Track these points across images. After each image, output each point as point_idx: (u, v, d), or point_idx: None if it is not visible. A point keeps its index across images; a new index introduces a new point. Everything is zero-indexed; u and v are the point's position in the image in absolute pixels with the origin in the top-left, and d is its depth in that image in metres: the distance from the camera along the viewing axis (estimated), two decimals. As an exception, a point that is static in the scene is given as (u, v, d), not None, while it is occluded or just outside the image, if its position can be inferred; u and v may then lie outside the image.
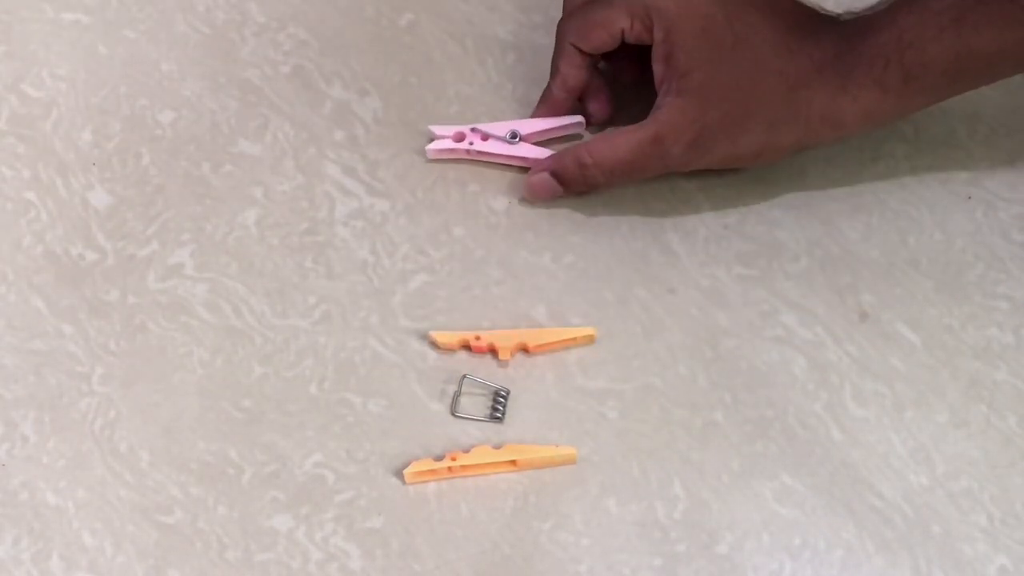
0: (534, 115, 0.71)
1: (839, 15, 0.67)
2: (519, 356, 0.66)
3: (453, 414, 0.64)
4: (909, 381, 0.65)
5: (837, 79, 0.64)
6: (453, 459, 0.63)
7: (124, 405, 0.65)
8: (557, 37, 0.69)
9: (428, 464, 0.63)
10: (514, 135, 0.71)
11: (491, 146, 0.71)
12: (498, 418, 0.65)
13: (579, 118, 0.72)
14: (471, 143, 0.71)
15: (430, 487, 0.63)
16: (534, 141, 0.72)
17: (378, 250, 0.70)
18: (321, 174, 0.72)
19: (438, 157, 0.72)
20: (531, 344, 0.66)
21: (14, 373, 0.66)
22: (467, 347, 0.66)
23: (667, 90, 0.66)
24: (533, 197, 0.70)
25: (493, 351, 0.66)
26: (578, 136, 0.72)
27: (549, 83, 0.70)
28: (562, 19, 0.70)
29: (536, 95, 0.73)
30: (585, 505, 0.63)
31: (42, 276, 0.69)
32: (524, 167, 0.71)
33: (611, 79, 0.72)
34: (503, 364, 0.66)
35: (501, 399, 0.65)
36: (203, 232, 0.70)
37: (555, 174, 0.68)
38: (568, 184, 0.68)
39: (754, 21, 0.65)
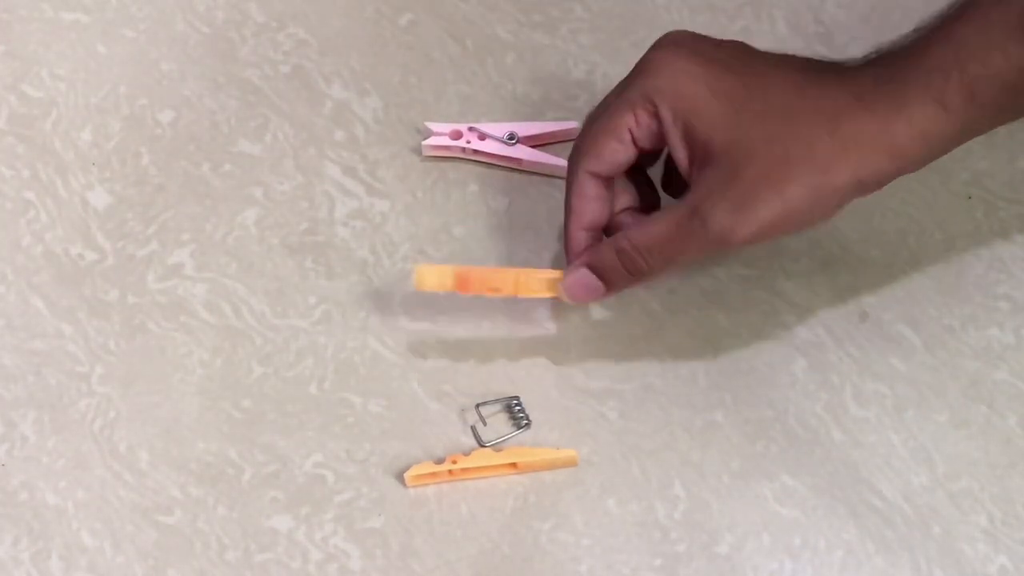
0: (568, 262, 0.63)
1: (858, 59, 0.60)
2: (518, 362, 0.66)
3: (482, 445, 0.64)
4: (909, 381, 0.65)
5: (888, 102, 0.56)
6: (454, 462, 0.63)
7: (124, 405, 0.65)
8: (568, 170, 0.63)
9: (429, 467, 0.63)
10: (512, 136, 0.71)
11: (488, 146, 0.71)
12: (526, 425, 0.65)
13: (575, 123, 0.72)
14: (468, 142, 0.71)
15: (430, 488, 0.63)
16: (532, 144, 0.72)
17: (378, 250, 0.70)
18: (321, 174, 0.72)
19: (434, 154, 0.72)
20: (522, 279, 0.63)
21: (14, 373, 0.66)
22: (458, 284, 0.63)
23: (695, 166, 0.59)
24: (573, 299, 0.62)
25: (493, 290, 0.63)
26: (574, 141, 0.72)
27: (565, 224, 0.63)
28: (571, 152, 0.63)
29: (536, 95, 0.73)
30: (585, 505, 0.63)
31: (42, 276, 0.69)
32: (522, 169, 0.72)
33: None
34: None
35: (517, 406, 0.65)
36: (203, 232, 0.70)
37: (592, 267, 0.61)
38: (608, 276, 0.61)
39: (764, 69, 0.59)
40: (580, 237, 0.62)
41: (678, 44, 0.60)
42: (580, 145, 0.62)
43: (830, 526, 0.62)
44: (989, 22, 0.55)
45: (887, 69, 0.57)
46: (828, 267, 0.68)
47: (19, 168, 0.72)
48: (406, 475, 0.63)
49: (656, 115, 0.59)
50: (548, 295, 0.64)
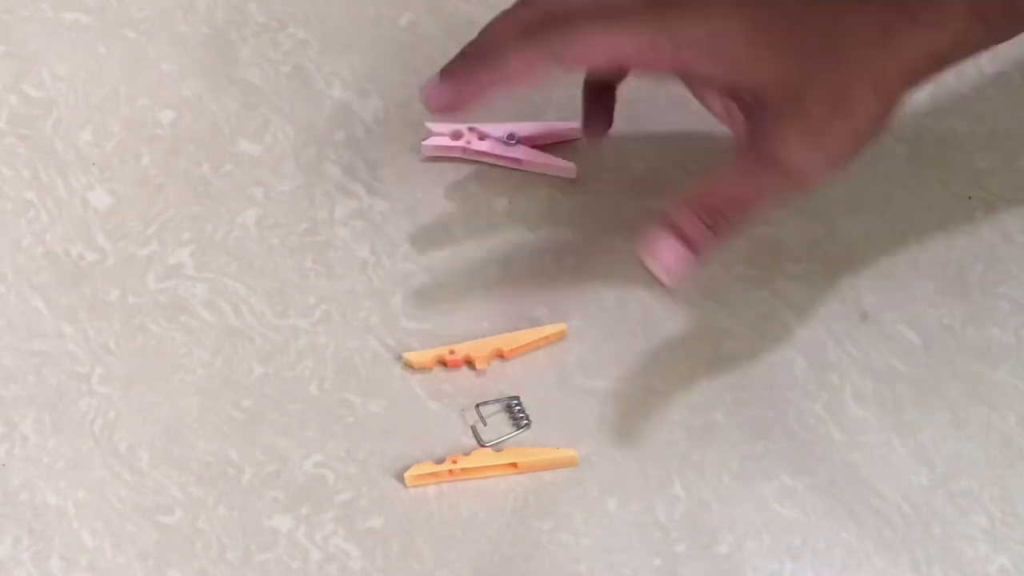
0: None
1: None
2: (518, 362, 0.66)
3: (482, 445, 0.64)
4: (909, 381, 0.65)
5: (932, 16, 0.55)
6: (454, 462, 0.63)
7: (124, 405, 0.65)
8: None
9: (429, 467, 0.63)
10: (512, 136, 0.71)
11: (488, 146, 0.71)
12: (526, 424, 0.65)
13: (575, 123, 0.72)
14: (468, 142, 0.71)
15: (430, 488, 0.63)
16: (532, 144, 0.72)
17: (378, 250, 0.70)
18: (321, 174, 0.72)
19: (434, 154, 0.72)
20: (505, 349, 0.66)
21: (14, 373, 0.66)
22: (443, 363, 0.66)
23: (745, 113, 0.57)
24: (667, 271, 0.59)
25: (469, 363, 0.66)
26: (574, 141, 0.72)
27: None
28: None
29: (536, 95, 0.73)
30: (585, 505, 0.63)
31: (42, 276, 0.69)
32: (522, 169, 0.72)
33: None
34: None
35: (517, 406, 0.65)
36: (203, 232, 0.70)
37: (675, 228, 0.58)
38: (692, 237, 0.58)
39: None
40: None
41: None
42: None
43: (830, 526, 0.62)
44: None
45: None
46: (828, 267, 0.68)
47: (19, 168, 0.72)
48: (406, 475, 0.63)
49: (677, 65, 0.57)
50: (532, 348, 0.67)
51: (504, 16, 0.59)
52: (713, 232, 0.58)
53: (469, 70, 0.59)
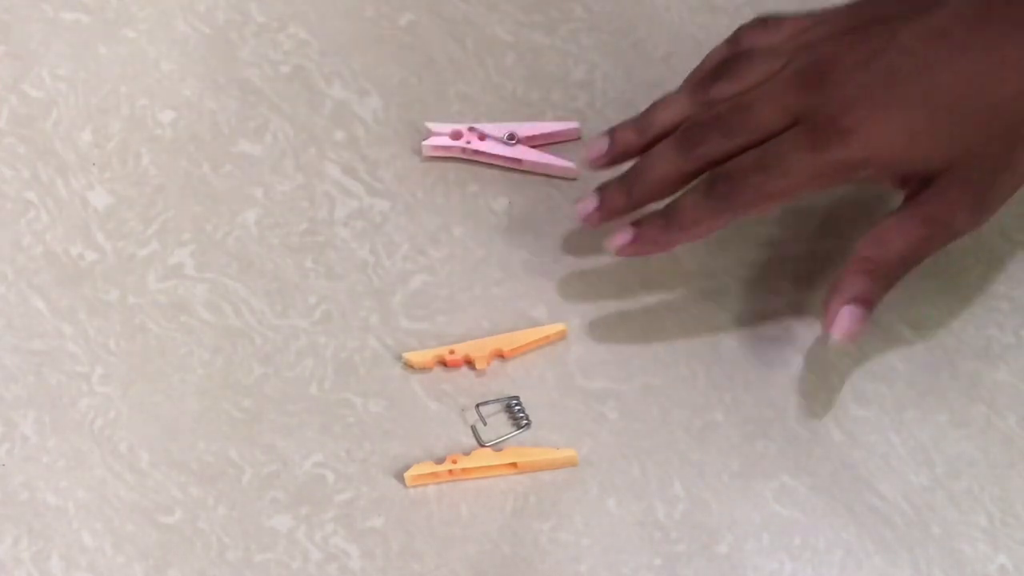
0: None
1: None
2: (518, 362, 0.66)
3: (482, 445, 0.64)
4: (909, 381, 0.65)
5: None
6: (454, 462, 0.63)
7: (124, 405, 0.65)
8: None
9: (429, 467, 0.63)
10: (511, 136, 0.71)
11: (488, 146, 0.71)
12: (526, 425, 0.65)
13: (575, 123, 0.72)
14: (468, 142, 0.71)
15: (430, 488, 0.63)
16: (532, 144, 0.72)
17: (378, 250, 0.70)
18: (321, 174, 0.72)
19: (434, 155, 0.72)
20: (505, 349, 0.66)
21: (14, 373, 0.66)
22: (443, 363, 0.66)
23: (908, 187, 0.60)
24: (851, 339, 0.61)
25: (469, 363, 0.66)
26: (575, 141, 0.72)
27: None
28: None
29: (536, 95, 0.73)
30: (585, 505, 0.63)
31: (42, 276, 0.69)
32: (522, 169, 0.72)
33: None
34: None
35: (517, 406, 0.65)
36: (203, 232, 0.70)
37: (858, 299, 0.60)
38: (872, 298, 0.61)
39: (932, 69, 0.58)
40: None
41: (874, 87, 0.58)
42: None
43: (830, 526, 0.62)
44: None
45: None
46: (828, 267, 0.68)
47: (19, 168, 0.72)
48: (406, 475, 0.63)
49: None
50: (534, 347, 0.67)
51: (692, 192, 0.62)
52: (885, 289, 0.61)
53: (661, 233, 0.63)
